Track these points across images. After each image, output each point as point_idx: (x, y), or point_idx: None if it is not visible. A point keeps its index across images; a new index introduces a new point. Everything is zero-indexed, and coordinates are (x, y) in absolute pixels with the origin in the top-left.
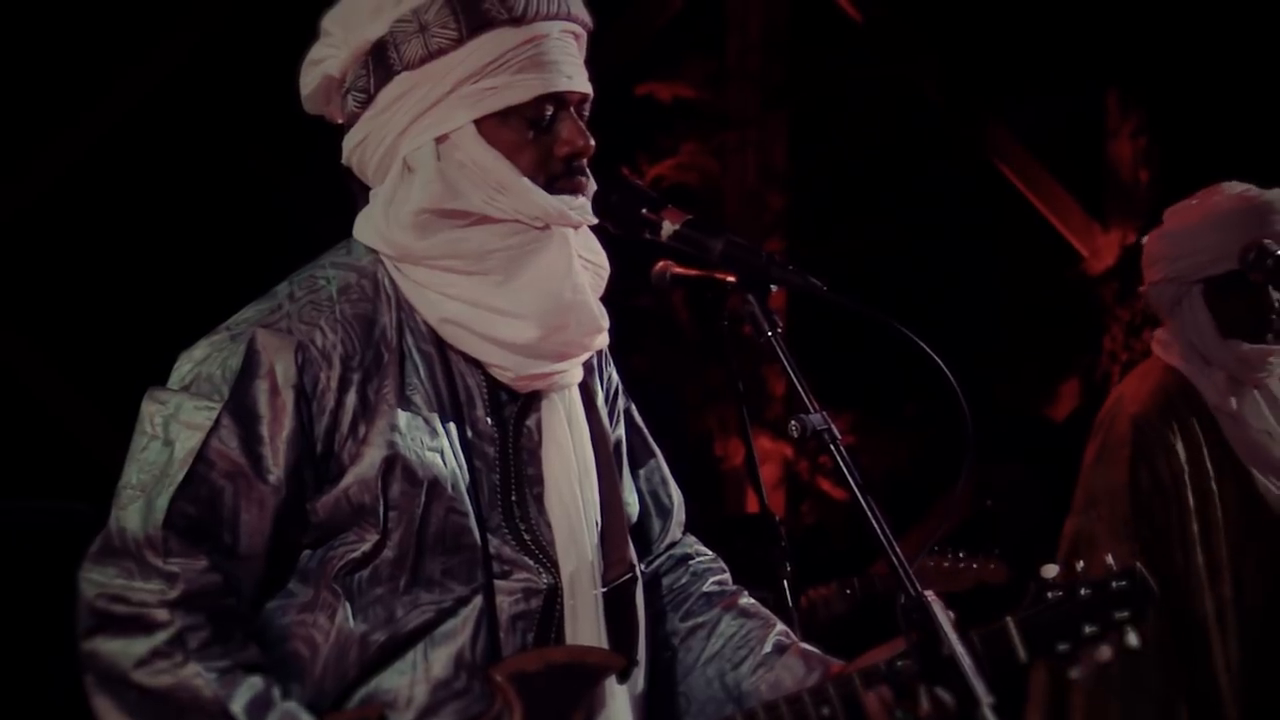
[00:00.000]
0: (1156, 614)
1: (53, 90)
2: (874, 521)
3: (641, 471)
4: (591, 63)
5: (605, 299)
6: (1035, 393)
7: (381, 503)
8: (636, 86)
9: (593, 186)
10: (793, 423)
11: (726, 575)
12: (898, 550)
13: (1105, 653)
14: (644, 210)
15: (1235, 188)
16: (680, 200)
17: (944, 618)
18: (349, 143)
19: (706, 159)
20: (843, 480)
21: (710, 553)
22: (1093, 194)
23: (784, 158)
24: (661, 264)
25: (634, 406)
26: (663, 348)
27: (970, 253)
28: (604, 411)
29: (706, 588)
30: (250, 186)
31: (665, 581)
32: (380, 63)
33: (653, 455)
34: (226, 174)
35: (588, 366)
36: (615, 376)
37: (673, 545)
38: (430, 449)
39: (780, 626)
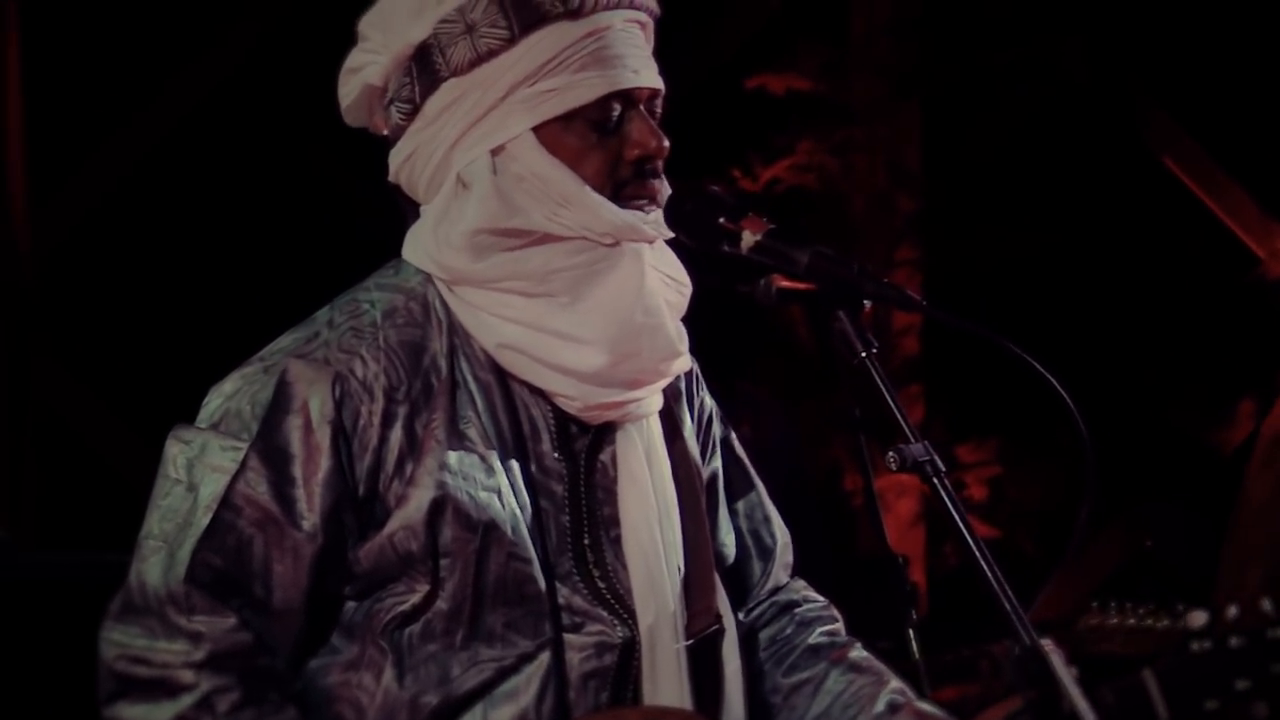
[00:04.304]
0: None
1: (97, 98)
2: (983, 562)
3: (740, 508)
4: (695, 56)
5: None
6: (1208, 415)
7: (431, 550)
8: (746, 79)
9: (667, 192)
10: (890, 454)
11: (838, 625)
12: (1010, 594)
13: (1261, 711)
14: (722, 219)
15: None
16: (799, 206)
17: (1064, 670)
18: (396, 157)
19: (827, 158)
20: (948, 515)
21: (821, 599)
22: (1271, 188)
23: (916, 155)
24: (767, 278)
25: (734, 435)
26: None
27: (1130, 258)
28: (692, 442)
29: (813, 639)
30: (318, 199)
31: (767, 632)
32: (425, 69)
33: (754, 489)
34: (291, 186)
35: (673, 392)
36: (709, 402)
37: (776, 590)
38: (485, 488)
39: (895, 683)
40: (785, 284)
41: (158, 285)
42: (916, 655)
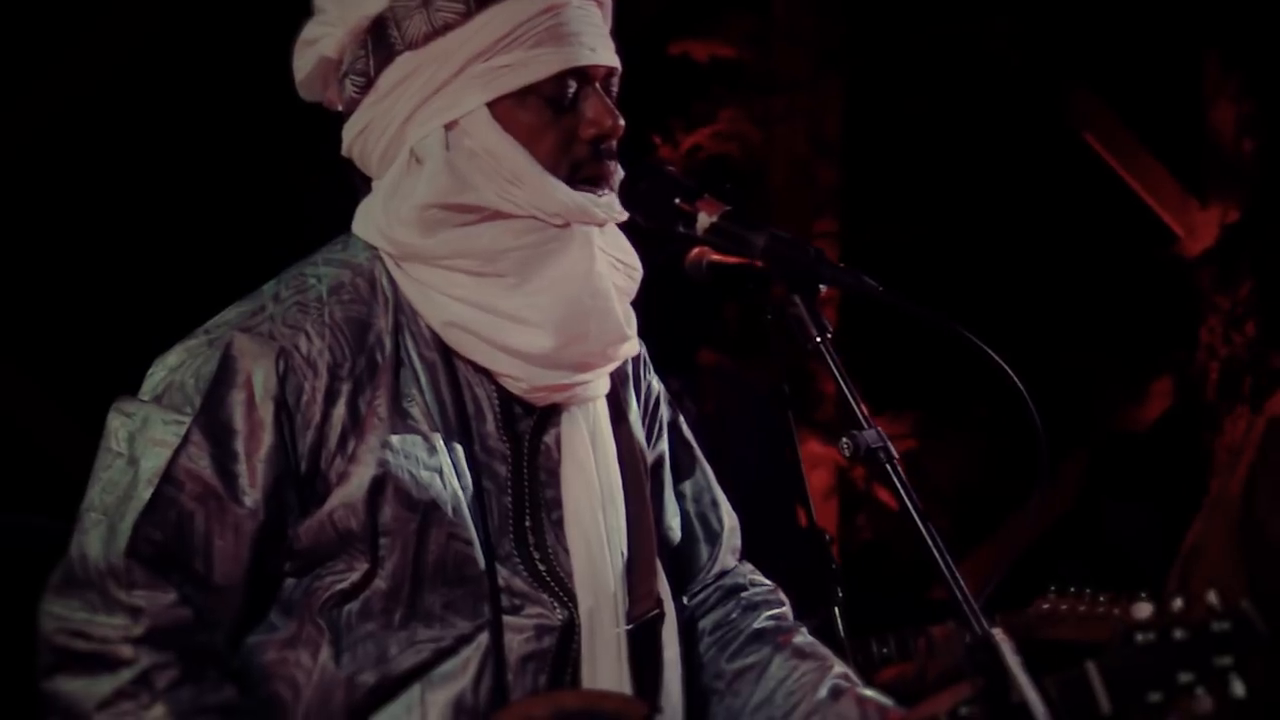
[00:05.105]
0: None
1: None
2: (936, 552)
3: (688, 490)
4: (618, 19)
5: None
6: (1123, 392)
7: (371, 528)
8: (669, 45)
9: (621, 173)
10: (844, 440)
11: (785, 609)
12: (962, 584)
13: (1205, 704)
14: (677, 200)
15: None
16: (720, 174)
17: (1014, 660)
18: (349, 131)
19: (749, 127)
20: (901, 505)
21: (768, 583)
22: (1190, 166)
23: (837, 127)
24: (696, 251)
25: (682, 418)
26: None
27: (1050, 233)
28: (638, 426)
29: (758, 624)
30: (245, 168)
31: (713, 617)
32: (380, 42)
33: (702, 472)
34: (212, 152)
35: (620, 375)
36: (657, 385)
37: (723, 574)
38: (427, 468)
39: (839, 668)
40: (716, 258)
41: (67, 247)
42: (842, 633)
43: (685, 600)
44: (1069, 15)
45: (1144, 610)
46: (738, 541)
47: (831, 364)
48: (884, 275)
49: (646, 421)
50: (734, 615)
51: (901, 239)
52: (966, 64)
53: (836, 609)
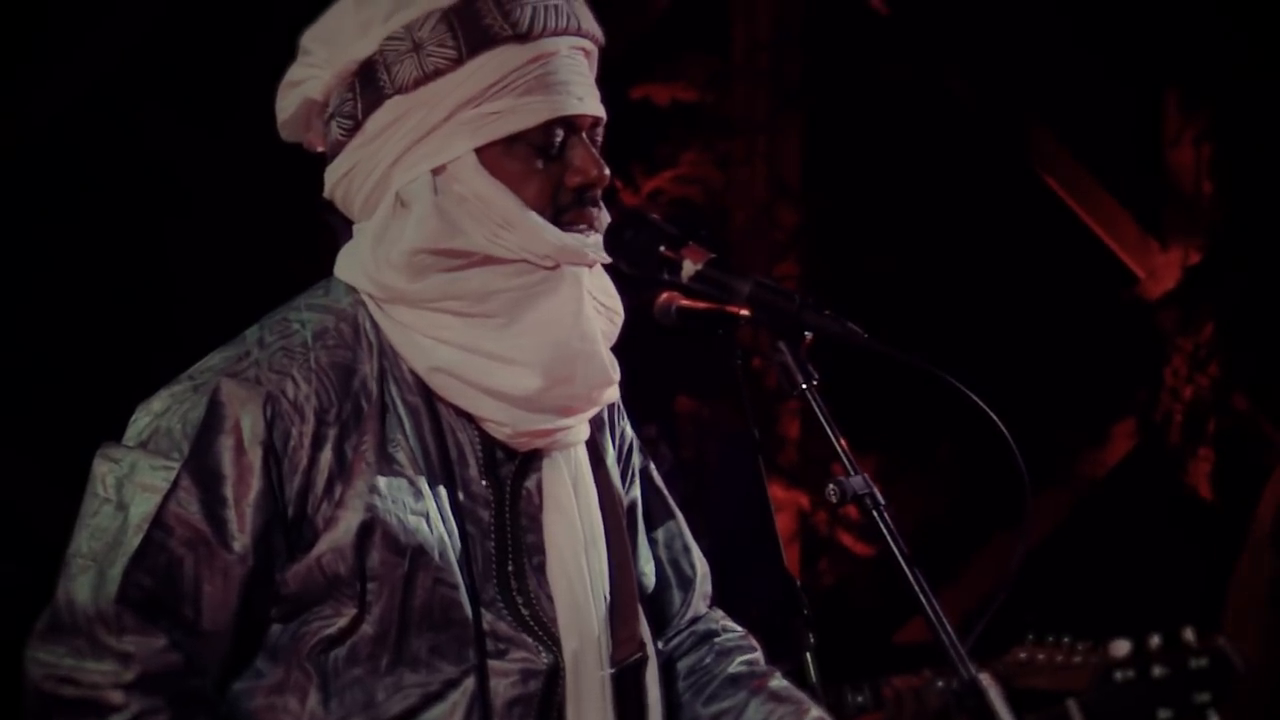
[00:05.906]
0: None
1: None
2: (923, 598)
3: (660, 537)
4: None
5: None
6: (1085, 434)
7: (359, 573)
8: (630, 89)
9: (606, 219)
10: (830, 487)
11: (757, 654)
12: (948, 629)
13: None
14: (662, 248)
15: None
16: (681, 218)
17: (1000, 703)
18: (332, 174)
19: (710, 170)
20: (887, 550)
21: (739, 628)
22: (1150, 208)
23: (797, 169)
24: (666, 296)
25: (652, 465)
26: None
27: (1010, 275)
28: (615, 472)
29: (733, 669)
30: (208, 217)
31: (686, 662)
32: (369, 85)
33: (673, 519)
34: (175, 197)
35: (596, 421)
36: (630, 432)
37: (695, 620)
38: (414, 513)
39: (815, 712)
40: (685, 304)
41: (34, 291)
42: (814, 679)
43: (660, 645)
44: (1029, 56)
45: (1123, 648)
46: (709, 588)
47: (818, 410)
48: (845, 317)
49: (621, 468)
50: (707, 660)
51: (863, 281)
52: (926, 105)
53: (808, 655)
